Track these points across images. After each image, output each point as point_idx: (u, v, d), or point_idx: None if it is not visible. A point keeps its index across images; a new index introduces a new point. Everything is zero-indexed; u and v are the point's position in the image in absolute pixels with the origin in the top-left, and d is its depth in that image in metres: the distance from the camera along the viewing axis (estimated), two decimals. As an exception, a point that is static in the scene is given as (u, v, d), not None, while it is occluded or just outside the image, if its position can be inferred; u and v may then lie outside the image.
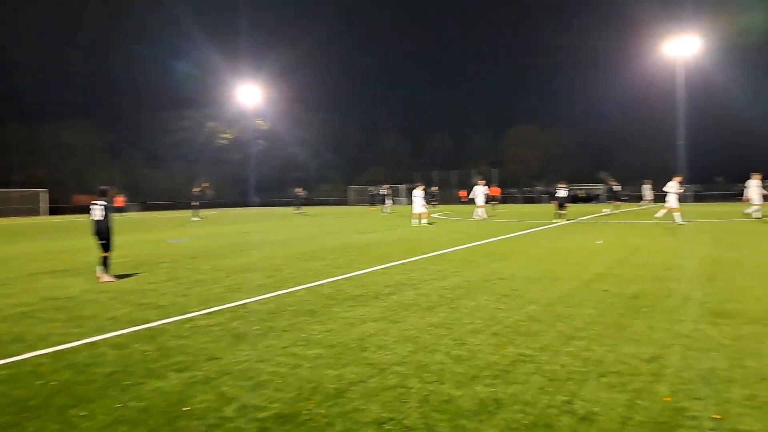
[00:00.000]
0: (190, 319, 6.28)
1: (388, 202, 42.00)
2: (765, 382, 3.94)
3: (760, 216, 20.94)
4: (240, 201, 68.52)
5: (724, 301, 6.62)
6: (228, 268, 10.50)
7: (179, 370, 4.51)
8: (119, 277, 9.48)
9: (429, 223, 22.21)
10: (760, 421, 3.33)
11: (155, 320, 6.27)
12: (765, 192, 21.29)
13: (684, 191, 22.71)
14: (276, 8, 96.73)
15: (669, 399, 3.69)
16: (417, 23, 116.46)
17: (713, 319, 5.79)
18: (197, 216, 32.46)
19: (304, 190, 46.71)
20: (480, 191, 26.75)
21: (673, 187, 20.06)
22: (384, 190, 41.76)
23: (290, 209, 46.33)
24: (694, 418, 3.40)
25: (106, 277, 9.18)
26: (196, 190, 33.56)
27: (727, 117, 70.56)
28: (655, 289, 7.47)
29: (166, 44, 71.98)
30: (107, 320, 6.34)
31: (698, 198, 60.49)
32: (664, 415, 3.45)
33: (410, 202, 35.97)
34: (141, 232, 23.08)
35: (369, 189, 55.75)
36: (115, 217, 13.36)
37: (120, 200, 44.44)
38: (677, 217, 19.74)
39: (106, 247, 9.30)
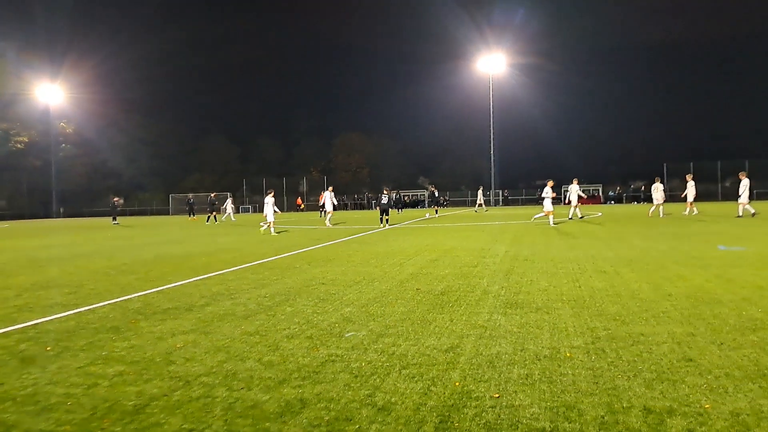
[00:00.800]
0: (-34, 345, 5.53)
1: (230, 209, 40.83)
2: (540, 362, 4.50)
3: (581, 216, 24.41)
4: (39, 212, 61.29)
5: (516, 293, 7.43)
6: (19, 285, 9.38)
7: (-54, 403, 3.96)
8: None
9: (277, 232, 21.62)
10: (531, 396, 3.80)
11: None
12: (582, 195, 24.63)
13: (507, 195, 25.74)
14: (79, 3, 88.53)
15: (458, 384, 4.06)
16: (238, 21, 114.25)
17: (505, 309, 6.47)
18: None
19: (120, 199, 43.26)
20: (328, 197, 26.82)
21: (548, 192, 21.89)
22: (212, 197, 40.18)
23: (101, 220, 42.63)
24: (477, 398, 3.78)
25: None
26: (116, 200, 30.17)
27: (529, 129, 79.33)
28: (461, 285, 8.15)
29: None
30: None
31: (506, 202, 67.06)
32: (453, 398, 3.80)
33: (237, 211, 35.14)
34: None
35: (188, 197, 52.83)
36: None
37: None
38: (551, 219, 21.66)
39: None
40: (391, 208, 26.84)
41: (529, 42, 74.10)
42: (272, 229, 21.30)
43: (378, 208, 24.77)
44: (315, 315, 6.52)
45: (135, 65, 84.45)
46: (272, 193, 21.99)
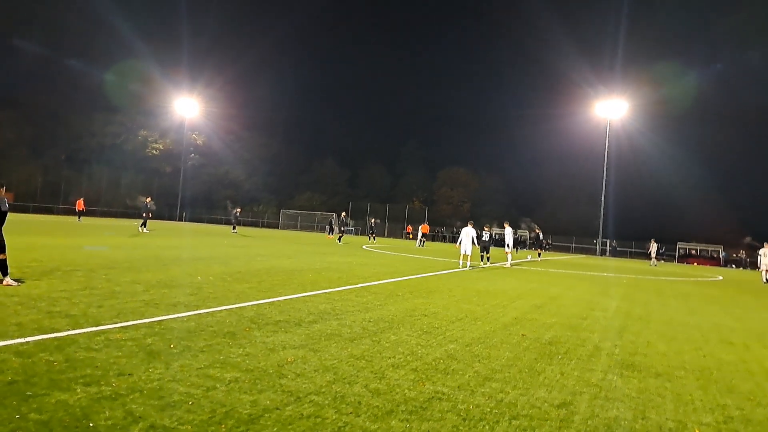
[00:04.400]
0: (102, 332, 6.02)
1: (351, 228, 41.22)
2: (662, 434, 4.19)
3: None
4: (165, 214, 66.23)
5: (632, 354, 7.00)
6: (147, 281, 10.13)
7: (86, 384, 4.32)
8: (26, 281, 8.95)
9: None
10: (652, 469, 3.55)
11: (65, 330, 5.97)
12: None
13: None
14: (220, 23, 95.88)
15: (572, 444, 3.87)
16: (362, 54, 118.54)
17: (621, 370, 6.11)
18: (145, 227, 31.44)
19: (240, 209, 45.73)
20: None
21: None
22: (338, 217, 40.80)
23: (219, 227, 45.26)
24: (593, 463, 3.58)
25: (7, 281, 8.60)
26: (148, 201, 32.96)
27: (647, 179, 75.27)
28: (569, 337, 7.81)
29: (99, 46, 69.15)
30: (12, 326, 5.97)
31: (614, 253, 63.81)
32: (566, 458, 3.62)
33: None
34: (57, 236, 21.91)
35: (331, 217, 54.31)
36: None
37: (81, 203, 42.58)
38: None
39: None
40: (493, 246, 26.36)
41: (656, 89, 70.95)
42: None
43: (480, 245, 24.41)
44: (419, 347, 6.49)
45: (261, 85, 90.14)
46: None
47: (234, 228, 42.04)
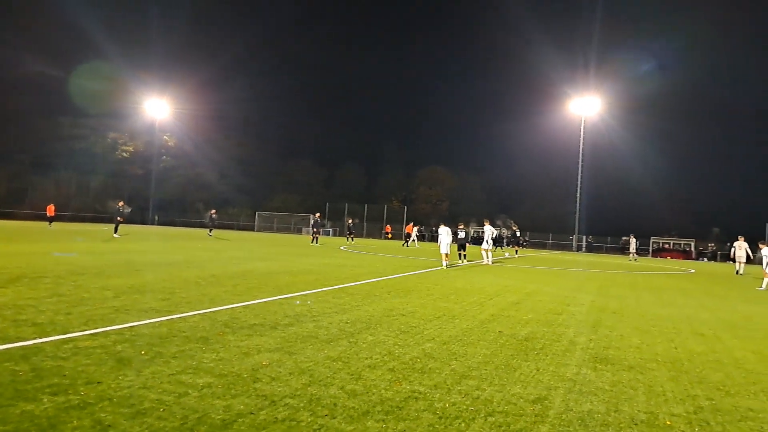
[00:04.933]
0: (70, 339, 5.86)
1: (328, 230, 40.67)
2: (636, 426, 4.22)
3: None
4: (137, 218, 65.17)
5: (606, 348, 7.06)
6: (117, 287, 9.92)
7: (54, 394, 4.19)
8: (-7, 289, 8.71)
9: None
10: (627, 462, 3.56)
11: (31, 338, 5.80)
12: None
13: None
14: (191, 22, 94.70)
15: (548, 439, 3.87)
16: (335, 50, 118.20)
17: (595, 364, 6.15)
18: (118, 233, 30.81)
19: (215, 211, 45.08)
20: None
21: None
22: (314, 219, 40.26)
23: (192, 230, 44.70)
24: (569, 458, 3.58)
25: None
26: (120, 204, 32.30)
27: (621, 176, 76.44)
28: (545, 333, 7.85)
29: (62, 47, 67.66)
30: (-26, 336, 5.78)
31: (590, 248, 64.67)
32: (543, 454, 3.61)
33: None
34: (24, 242, 21.38)
35: (315, 219, 53.95)
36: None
37: (51, 209, 41.53)
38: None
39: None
40: (469, 243, 26.49)
41: (630, 86, 72.10)
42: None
43: (456, 243, 24.48)
44: (396, 347, 6.46)
45: (234, 86, 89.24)
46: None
47: (210, 231, 41.54)
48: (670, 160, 79.58)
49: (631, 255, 41.34)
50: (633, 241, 40.89)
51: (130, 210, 38.22)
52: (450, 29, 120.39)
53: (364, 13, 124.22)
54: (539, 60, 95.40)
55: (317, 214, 40.19)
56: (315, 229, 37.30)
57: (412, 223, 45.59)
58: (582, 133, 61.68)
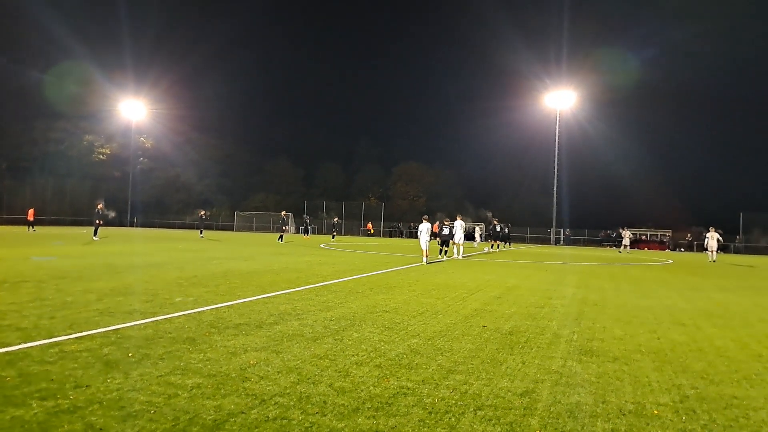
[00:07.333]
0: (56, 344, 5.81)
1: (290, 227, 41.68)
2: (625, 417, 4.31)
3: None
4: (115, 220, 64.29)
5: (590, 340, 7.19)
6: (100, 290, 9.82)
7: (43, 398, 4.16)
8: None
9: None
10: (613, 449, 3.66)
11: (16, 344, 5.73)
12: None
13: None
14: (163, 23, 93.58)
15: None
16: (311, 52, 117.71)
17: (580, 356, 6.26)
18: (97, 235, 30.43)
19: (206, 213, 45.08)
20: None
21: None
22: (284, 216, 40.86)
23: (172, 231, 44.31)
24: (557, 447, 3.67)
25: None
26: (99, 207, 31.86)
27: (597, 168, 77.40)
28: (529, 326, 7.96)
29: (34, 49, 66.34)
30: (-45, 343, 5.70)
31: (568, 241, 65.39)
32: (532, 444, 3.69)
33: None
34: (2, 247, 21.02)
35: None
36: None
37: (32, 213, 40.83)
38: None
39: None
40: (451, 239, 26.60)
41: (602, 78, 72.96)
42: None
43: (438, 238, 24.64)
44: (381, 343, 6.51)
45: (209, 85, 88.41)
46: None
47: (201, 232, 41.51)
48: (645, 151, 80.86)
49: (622, 247, 41.94)
50: (627, 233, 41.63)
51: (112, 214, 37.97)
52: (424, 26, 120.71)
53: (337, 11, 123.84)
54: (512, 54, 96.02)
55: (283, 212, 41.42)
56: (283, 227, 38.44)
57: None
58: (557, 126, 62.29)
